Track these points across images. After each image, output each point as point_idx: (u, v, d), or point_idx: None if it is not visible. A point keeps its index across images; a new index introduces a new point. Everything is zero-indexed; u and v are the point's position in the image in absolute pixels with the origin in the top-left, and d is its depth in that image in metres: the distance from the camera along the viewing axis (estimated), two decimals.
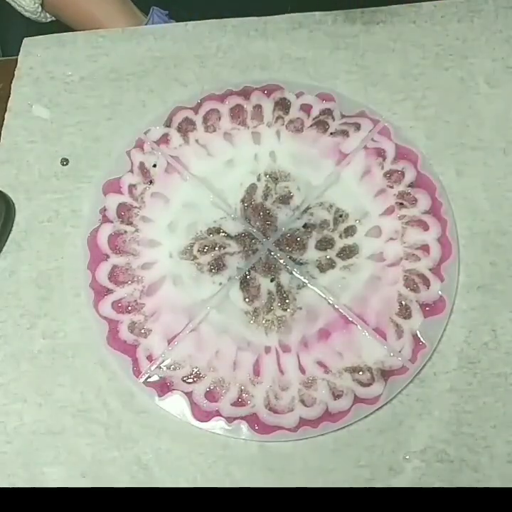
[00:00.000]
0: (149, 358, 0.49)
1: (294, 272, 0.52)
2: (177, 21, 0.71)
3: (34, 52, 0.63)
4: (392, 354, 0.48)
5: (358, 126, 0.57)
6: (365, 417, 0.47)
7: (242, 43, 0.62)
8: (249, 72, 0.61)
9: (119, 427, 0.48)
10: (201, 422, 0.47)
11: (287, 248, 0.53)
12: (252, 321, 0.50)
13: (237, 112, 0.58)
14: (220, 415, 0.47)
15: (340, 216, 0.54)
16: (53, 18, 0.70)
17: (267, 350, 0.49)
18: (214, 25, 0.63)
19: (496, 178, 0.55)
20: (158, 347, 0.49)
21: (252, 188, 0.55)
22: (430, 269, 0.51)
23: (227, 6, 0.64)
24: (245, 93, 0.58)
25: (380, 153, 0.55)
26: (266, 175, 0.56)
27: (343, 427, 0.47)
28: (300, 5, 0.63)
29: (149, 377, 0.49)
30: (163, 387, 0.48)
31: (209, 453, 0.47)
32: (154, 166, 0.56)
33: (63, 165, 0.58)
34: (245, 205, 0.55)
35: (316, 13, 0.62)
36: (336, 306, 0.50)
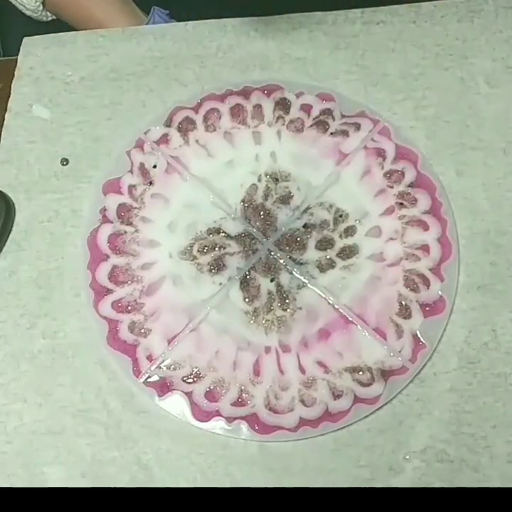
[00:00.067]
0: (149, 358, 0.49)
1: (294, 272, 0.52)
2: (177, 21, 0.71)
3: (34, 52, 0.63)
4: (392, 354, 0.48)
5: (358, 126, 0.57)
6: (365, 417, 0.47)
7: (242, 43, 0.62)
8: (249, 72, 0.61)
9: (119, 427, 0.48)
10: (201, 422, 0.47)
11: (287, 248, 0.53)
12: (252, 321, 0.50)
13: (237, 111, 0.58)
14: (220, 415, 0.47)
15: (340, 216, 0.54)
16: (54, 17, 0.70)
17: (267, 350, 0.49)
18: (214, 26, 0.63)
19: (496, 178, 0.55)
20: (158, 347, 0.49)
21: (252, 189, 0.55)
22: (430, 269, 0.51)
23: (227, 6, 0.64)
24: (245, 93, 0.58)
25: (380, 153, 0.55)
26: (266, 175, 0.56)
27: (343, 427, 0.47)
28: (300, 5, 0.63)
29: (149, 377, 0.49)
30: (163, 387, 0.48)
31: (209, 453, 0.47)
32: (154, 166, 0.56)
33: (63, 165, 0.58)
34: (245, 205, 0.55)
35: (316, 13, 0.62)
36: (336, 306, 0.50)
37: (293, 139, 0.57)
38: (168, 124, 0.58)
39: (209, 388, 0.48)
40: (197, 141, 0.57)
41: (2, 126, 0.59)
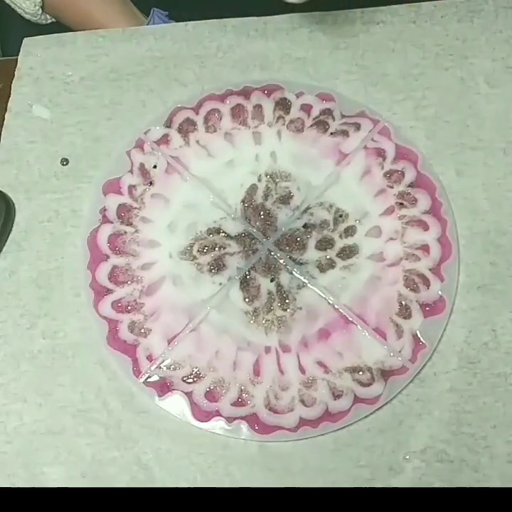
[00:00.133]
0: (149, 357, 0.49)
1: (294, 272, 0.52)
2: (177, 22, 0.71)
3: (34, 53, 0.63)
4: (392, 354, 0.48)
5: (358, 126, 0.57)
6: (365, 417, 0.47)
7: (242, 43, 0.62)
8: (249, 72, 0.61)
9: (119, 427, 0.48)
10: (201, 422, 0.47)
11: (287, 248, 0.53)
12: (252, 321, 0.50)
13: (237, 112, 0.58)
14: (220, 415, 0.47)
15: (340, 216, 0.54)
16: (53, 20, 0.70)
17: (267, 350, 0.49)
18: (214, 26, 0.63)
19: (496, 178, 0.55)
20: (158, 347, 0.49)
21: (252, 189, 0.55)
22: (430, 269, 0.51)
23: (227, 7, 0.64)
24: (245, 93, 0.58)
25: (380, 153, 0.55)
26: (267, 175, 0.56)
27: (343, 427, 0.47)
28: (300, 5, 0.63)
29: (149, 377, 0.49)
30: (163, 387, 0.48)
31: (209, 453, 0.47)
32: (154, 166, 0.56)
33: (63, 165, 0.58)
34: (246, 205, 0.55)
35: (316, 13, 0.62)
36: (336, 306, 0.50)
37: (293, 139, 0.57)
38: (168, 124, 0.58)
39: (209, 388, 0.48)
40: (197, 141, 0.57)
41: (2, 126, 0.59)
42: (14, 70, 0.62)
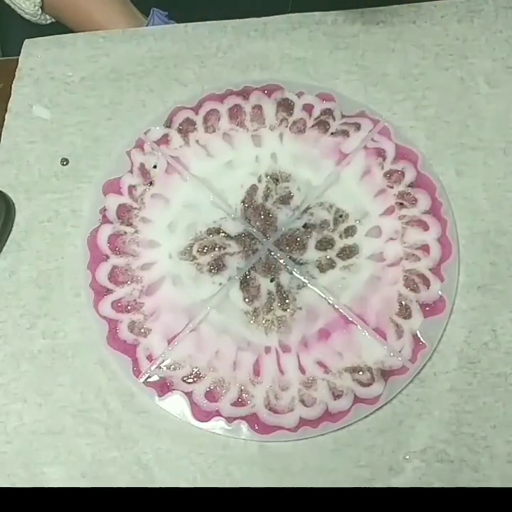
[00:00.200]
0: (149, 357, 0.49)
1: (294, 272, 0.52)
2: (177, 22, 0.71)
3: (35, 54, 0.63)
4: (392, 354, 0.48)
5: (358, 126, 0.57)
6: (365, 417, 0.47)
7: (242, 43, 0.62)
8: (249, 72, 0.61)
9: (119, 427, 0.48)
10: (201, 422, 0.47)
11: (287, 248, 0.53)
12: (252, 321, 0.50)
13: (235, 113, 0.58)
14: (220, 415, 0.47)
15: (341, 216, 0.54)
16: (53, 20, 0.70)
17: (267, 350, 0.49)
18: (214, 27, 0.63)
19: (496, 178, 0.55)
20: (158, 347, 0.49)
21: (252, 189, 0.55)
22: (430, 269, 0.51)
23: (227, 7, 0.64)
24: (245, 93, 0.58)
25: (380, 153, 0.55)
26: (267, 176, 0.56)
27: (343, 427, 0.47)
28: (300, 5, 0.63)
29: (149, 377, 0.49)
30: (163, 387, 0.48)
31: (209, 453, 0.47)
32: (154, 166, 0.56)
33: (63, 165, 0.58)
34: (246, 205, 0.55)
35: (316, 13, 0.62)
36: (336, 306, 0.50)
37: (295, 140, 0.57)
38: (168, 124, 0.58)
39: (209, 388, 0.48)
40: (197, 141, 0.57)
41: (2, 126, 0.59)
42: (14, 70, 0.62)
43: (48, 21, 0.70)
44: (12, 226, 0.55)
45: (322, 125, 0.57)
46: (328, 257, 0.52)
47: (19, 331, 0.51)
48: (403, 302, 0.50)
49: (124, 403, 0.49)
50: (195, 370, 0.49)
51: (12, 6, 0.67)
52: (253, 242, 0.53)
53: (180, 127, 0.58)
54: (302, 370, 0.49)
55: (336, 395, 0.47)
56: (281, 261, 0.52)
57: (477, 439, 0.46)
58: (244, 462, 0.47)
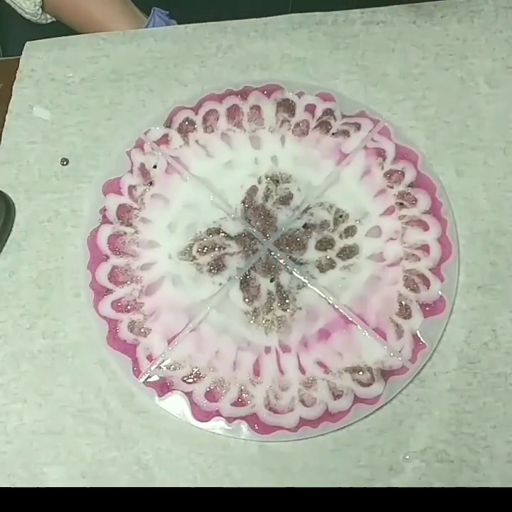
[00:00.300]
0: (149, 357, 0.49)
1: (294, 272, 0.52)
2: (178, 21, 0.71)
3: (35, 55, 0.63)
4: (392, 354, 0.48)
5: (358, 126, 0.56)
6: (365, 417, 0.47)
7: (242, 44, 0.62)
8: (249, 72, 0.61)
9: (119, 427, 0.48)
10: (201, 422, 0.47)
11: (287, 248, 0.53)
12: (252, 321, 0.50)
13: (233, 112, 0.58)
14: (220, 415, 0.47)
15: (341, 216, 0.54)
16: (54, 20, 0.70)
17: (267, 350, 0.49)
18: (214, 27, 0.63)
19: (496, 178, 0.55)
20: (158, 347, 0.49)
21: (252, 190, 0.55)
22: (430, 269, 0.51)
23: (227, 6, 0.64)
24: (245, 93, 0.58)
25: (380, 153, 0.55)
26: (267, 177, 0.56)
27: (343, 427, 0.47)
28: (300, 5, 0.63)
29: (149, 377, 0.49)
30: (163, 387, 0.48)
31: (209, 453, 0.47)
32: (154, 167, 0.56)
33: (63, 165, 0.58)
34: (246, 205, 0.55)
35: (316, 13, 0.62)
36: (336, 306, 0.50)
37: (298, 143, 0.57)
38: (168, 124, 0.58)
39: (209, 388, 0.48)
40: (196, 141, 0.57)
41: (2, 127, 0.59)
42: (14, 70, 0.62)
43: (49, 21, 0.70)
44: (12, 226, 0.55)
45: (324, 126, 0.57)
46: (328, 257, 0.52)
47: (19, 331, 0.51)
48: (403, 302, 0.50)
49: (124, 403, 0.49)
50: (195, 370, 0.49)
51: (12, 5, 0.67)
52: (253, 242, 0.53)
53: (180, 127, 0.58)
54: (302, 370, 0.49)
55: (336, 395, 0.47)
56: (281, 261, 0.52)
57: (477, 439, 0.46)
58: (244, 462, 0.47)
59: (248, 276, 0.52)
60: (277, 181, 0.55)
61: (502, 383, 0.48)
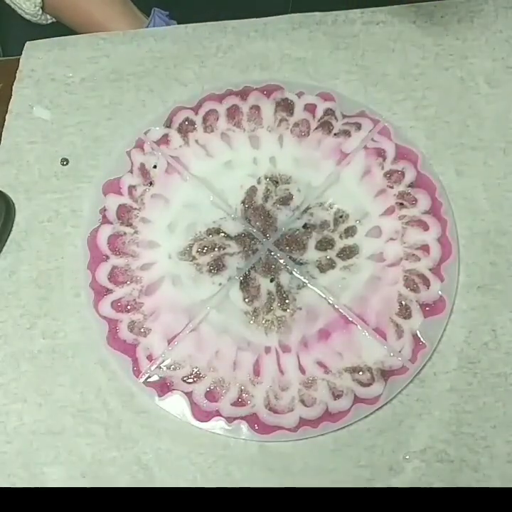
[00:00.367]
0: (149, 357, 0.49)
1: (294, 272, 0.52)
2: (178, 22, 0.71)
3: (36, 55, 0.63)
4: (392, 354, 0.48)
5: (358, 126, 0.56)
6: (365, 417, 0.47)
7: (242, 44, 0.62)
8: (249, 72, 0.61)
9: (119, 427, 0.48)
10: (201, 422, 0.47)
11: (287, 248, 0.53)
12: (252, 321, 0.50)
13: (232, 112, 0.58)
14: (220, 415, 0.47)
15: (341, 216, 0.54)
16: (54, 20, 0.70)
17: (267, 350, 0.49)
18: (214, 27, 0.63)
19: (496, 178, 0.55)
20: (158, 347, 0.49)
21: (252, 191, 0.55)
22: (430, 269, 0.51)
23: (227, 6, 0.64)
24: (245, 93, 0.58)
25: (380, 153, 0.55)
26: (266, 178, 0.56)
27: (343, 427, 0.47)
28: (300, 5, 0.63)
29: (149, 377, 0.49)
30: (163, 387, 0.48)
31: (209, 453, 0.47)
32: (154, 167, 0.56)
33: (63, 165, 0.58)
34: (246, 205, 0.55)
35: (316, 13, 0.62)
36: (336, 306, 0.50)
37: (298, 144, 0.56)
38: (168, 124, 0.58)
39: (209, 388, 0.48)
40: (196, 141, 0.57)
41: (2, 127, 0.59)
42: (14, 70, 0.62)
43: (49, 21, 0.70)
44: (12, 226, 0.55)
45: (326, 126, 0.57)
46: (328, 257, 0.52)
47: (19, 331, 0.51)
48: (403, 302, 0.50)
49: (124, 403, 0.49)
50: (195, 370, 0.49)
51: (12, 6, 0.67)
52: (253, 242, 0.53)
53: (180, 127, 0.58)
54: (302, 370, 0.49)
55: (336, 395, 0.47)
56: (281, 261, 0.52)
57: (477, 439, 0.46)
58: (244, 462, 0.47)
59: (248, 277, 0.52)
60: (276, 182, 0.55)
61: (502, 383, 0.48)
